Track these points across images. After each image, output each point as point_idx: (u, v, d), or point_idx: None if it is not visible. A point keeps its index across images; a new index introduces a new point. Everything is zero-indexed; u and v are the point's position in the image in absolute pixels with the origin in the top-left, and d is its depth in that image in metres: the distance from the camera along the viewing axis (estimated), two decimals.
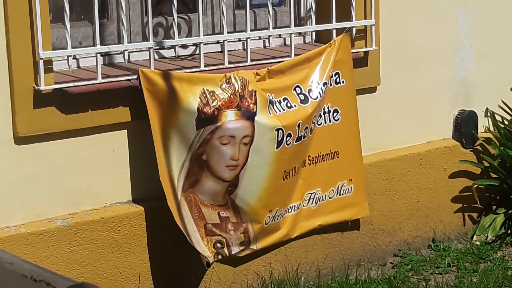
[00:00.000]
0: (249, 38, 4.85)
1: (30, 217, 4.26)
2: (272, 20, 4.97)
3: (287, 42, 5.10)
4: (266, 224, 4.75)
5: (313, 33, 5.33)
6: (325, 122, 5.00)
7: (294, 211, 4.92)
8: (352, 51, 5.11)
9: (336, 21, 5.10)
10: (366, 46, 5.26)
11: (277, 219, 4.81)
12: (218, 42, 4.88)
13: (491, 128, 5.87)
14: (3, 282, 2.01)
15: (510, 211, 5.75)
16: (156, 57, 4.70)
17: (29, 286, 1.89)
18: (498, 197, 5.89)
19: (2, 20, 4.08)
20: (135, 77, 4.39)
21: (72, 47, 4.33)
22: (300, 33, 5.25)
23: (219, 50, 4.88)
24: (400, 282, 5.06)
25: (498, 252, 5.58)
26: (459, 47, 5.76)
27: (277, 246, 4.96)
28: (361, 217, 5.29)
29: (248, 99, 4.59)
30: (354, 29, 5.17)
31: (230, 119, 4.52)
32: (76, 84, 4.28)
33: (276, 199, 4.76)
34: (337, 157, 5.07)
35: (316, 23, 5.21)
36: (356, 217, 5.26)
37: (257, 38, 5.10)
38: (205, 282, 4.75)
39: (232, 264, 4.82)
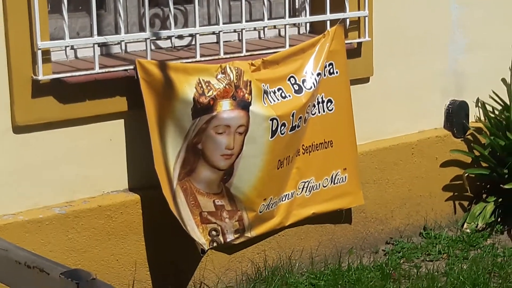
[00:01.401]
0: (244, 29, 4.85)
1: (28, 205, 4.27)
2: (267, 11, 4.97)
3: (282, 33, 5.10)
4: (260, 212, 4.76)
5: (307, 24, 5.33)
6: (319, 112, 5.00)
7: (288, 199, 4.93)
8: (346, 42, 5.11)
9: (330, 12, 5.10)
10: (359, 37, 5.27)
11: (271, 207, 4.82)
12: (213, 33, 4.88)
13: (482, 118, 5.88)
14: None
15: (500, 200, 5.77)
16: (153, 47, 4.70)
17: (23, 272, 1.90)
18: (488, 186, 5.91)
19: (1, 11, 4.07)
20: (132, 67, 4.39)
21: (70, 38, 4.32)
22: (294, 24, 5.25)
23: (215, 41, 4.88)
24: (391, 269, 5.08)
25: (488, 239, 5.60)
26: (451, 38, 5.77)
27: (271, 234, 4.97)
28: (355, 206, 5.30)
29: (243, 89, 4.59)
30: (347, 20, 5.17)
31: (226, 109, 4.52)
32: (73, 74, 4.28)
33: (270, 188, 4.77)
34: (331, 147, 5.08)
35: (310, 14, 5.22)
36: (350, 205, 5.27)
37: (252, 29, 5.11)
38: (200, 269, 4.76)
39: (227, 252, 4.84)
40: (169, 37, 4.77)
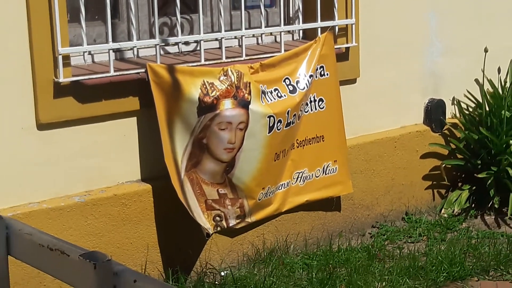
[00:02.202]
0: (244, 35, 4.84)
1: (51, 194, 4.26)
2: (264, 19, 4.96)
3: (278, 39, 5.08)
4: (259, 200, 4.75)
5: (301, 31, 5.31)
6: (311, 110, 4.99)
7: (284, 188, 4.91)
8: (335, 47, 5.10)
9: (321, 20, 5.09)
10: (347, 43, 5.25)
11: (269, 195, 4.81)
12: (216, 40, 4.87)
13: (457, 115, 5.87)
14: (23, 251, 2.01)
15: (474, 188, 5.76)
16: (162, 52, 4.68)
17: (46, 254, 1.88)
18: (463, 175, 5.90)
19: (25, 20, 4.06)
20: (143, 70, 4.38)
21: (87, 44, 4.32)
22: (289, 31, 5.24)
23: (218, 46, 4.87)
24: (377, 250, 5.07)
25: (464, 223, 5.59)
26: (429, 43, 5.75)
27: (269, 219, 4.96)
28: (345, 194, 5.29)
29: (243, 90, 4.58)
30: (336, 28, 5.16)
31: (228, 107, 4.51)
32: (91, 76, 4.27)
33: (268, 178, 4.75)
34: (323, 141, 5.06)
35: (303, 22, 5.21)
36: (340, 193, 5.26)
37: (251, 35, 5.09)
38: (205, 251, 4.75)
39: (230, 235, 4.83)
40: (177, 43, 4.76)
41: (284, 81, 4.80)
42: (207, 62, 4.64)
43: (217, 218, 4.62)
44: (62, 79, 4.15)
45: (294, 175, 4.97)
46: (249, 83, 4.61)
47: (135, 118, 4.48)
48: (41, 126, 4.19)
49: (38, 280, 4.15)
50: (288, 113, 4.72)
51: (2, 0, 3.99)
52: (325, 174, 5.12)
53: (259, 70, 4.71)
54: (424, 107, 5.80)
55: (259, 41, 5.20)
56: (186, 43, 4.83)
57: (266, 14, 5.16)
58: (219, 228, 4.64)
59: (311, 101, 4.97)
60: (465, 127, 5.76)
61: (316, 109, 5.01)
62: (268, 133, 4.64)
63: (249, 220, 4.78)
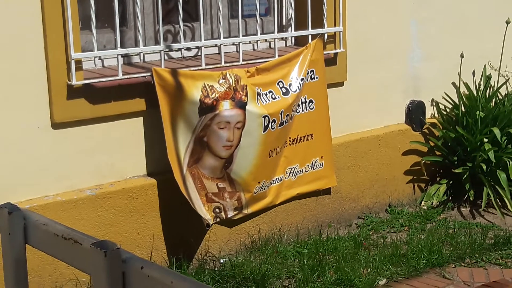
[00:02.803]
0: (241, 42, 4.84)
1: (65, 188, 4.25)
2: (259, 27, 4.95)
3: (272, 46, 5.08)
4: (255, 193, 4.74)
5: (293, 38, 5.31)
6: (303, 110, 4.98)
7: (277, 182, 4.91)
8: (324, 52, 5.09)
9: (311, 28, 5.08)
10: (335, 49, 5.25)
11: (264, 189, 4.80)
12: (216, 46, 4.85)
13: (436, 115, 5.88)
14: (39, 240, 2.00)
15: (451, 182, 5.76)
16: (166, 57, 4.68)
17: (60, 243, 1.88)
18: (441, 171, 5.90)
19: (41, 29, 4.05)
20: (149, 74, 4.37)
21: (98, 50, 4.31)
22: (282, 38, 5.23)
23: (217, 52, 4.86)
24: (362, 239, 5.07)
25: (442, 214, 5.59)
26: (410, 49, 5.75)
27: (264, 211, 4.96)
28: (331, 187, 5.29)
29: (241, 92, 4.57)
30: (325, 35, 5.16)
31: (226, 108, 4.50)
32: (101, 80, 4.26)
33: (263, 173, 4.75)
34: (312, 139, 5.06)
35: (295, 30, 5.20)
36: (326, 186, 5.25)
37: (248, 42, 5.09)
38: (206, 240, 4.74)
39: (228, 225, 4.82)
40: (179, 49, 4.76)
41: (278, 84, 4.80)
42: (207, 67, 4.63)
43: (217, 210, 4.62)
44: (74, 82, 4.14)
45: (286, 170, 4.96)
46: (246, 85, 4.60)
47: (141, 118, 4.47)
48: (55, 125, 4.18)
49: (53, 267, 4.14)
50: (281, 114, 4.72)
51: (19, 10, 3.98)
52: (313, 169, 5.12)
53: (255, 74, 4.71)
54: (405, 108, 5.79)
55: (255, 47, 5.19)
56: (188, 49, 4.83)
57: (261, 23, 5.15)
58: (218, 219, 4.64)
59: (302, 102, 4.97)
60: (443, 126, 5.76)
61: (306, 109, 5.01)
62: (263, 131, 4.63)
63: (246, 211, 4.77)
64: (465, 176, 5.58)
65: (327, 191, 5.30)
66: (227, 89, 4.52)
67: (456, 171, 5.61)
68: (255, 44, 5.18)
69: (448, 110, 5.86)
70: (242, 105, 4.55)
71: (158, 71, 4.34)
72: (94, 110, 4.27)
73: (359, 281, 4.40)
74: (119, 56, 4.34)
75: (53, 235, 1.88)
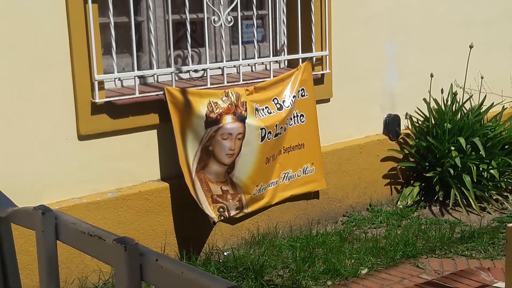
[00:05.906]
0: (241, 65, 4.85)
1: (89, 191, 4.26)
2: (257, 52, 4.97)
3: (268, 68, 5.09)
4: (254, 195, 4.75)
5: (286, 61, 5.32)
6: (295, 123, 4.99)
7: (273, 185, 4.91)
8: (313, 73, 5.11)
9: (302, 52, 5.10)
10: (322, 70, 5.26)
11: (262, 191, 4.80)
12: (219, 68, 4.87)
13: (410, 127, 5.88)
14: (68, 236, 2.01)
15: (423, 184, 5.77)
16: (176, 78, 4.69)
17: (86, 239, 1.88)
18: (414, 174, 5.91)
19: (68, 54, 4.06)
20: (162, 92, 4.38)
21: (118, 72, 4.32)
22: (276, 61, 5.24)
23: (220, 73, 4.87)
24: (347, 234, 5.07)
25: (415, 212, 5.59)
26: (388, 68, 5.76)
27: (262, 210, 4.96)
28: (320, 189, 5.29)
29: (241, 108, 4.58)
30: (314, 58, 5.17)
31: (228, 122, 4.51)
32: (120, 98, 4.27)
33: (261, 177, 4.75)
34: (303, 148, 5.07)
35: (288, 54, 5.21)
36: (317, 189, 5.26)
37: (247, 65, 5.09)
38: (212, 236, 4.74)
39: (231, 223, 4.82)
40: (188, 71, 4.76)
41: (273, 100, 4.81)
42: (212, 86, 4.65)
43: (221, 209, 4.62)
44: (97, 100, 4.15)
45: (281, 175, 4.97)
46: (245, 102, 4.61)
47: (155, 131, 4.48)
48: (81, 137, 4.19)
49: (79, 260, 4.15)
50: (276, 126, 4.73)
51: (50, 38, 3.99)
52: (305, 174, 5.13)
53: (253, 92, 4.72)
54: (383, 121, 5.80)
55: (253, 69, 5.20)
56: (196, 71, 4.84)
57: (259, 48, 5.17)
58: (222, 218, 4.64)
59: (294, 116, 4.98)
60: (415, 137, 5.77)
61: (298, 122, 5.02)
62: (261, 141, 4.64)
63: (246, 211, 4.77)
64: (435, 179, 5.59)
65: (316, 193, 5.31)
66: (229, 105, 4.53)
67: (428, 175, 5.61)
68: (253, 67, 5.19)
69: (420, 122, 5.87)
70: (242, 119, 4.57)
71: (169, 90, 4.35)
72: (115, 124, 4.28)
73: (345, 270, 4.40)
74: (136, 77, 4.35)
75: (80, 232, 1.88)
